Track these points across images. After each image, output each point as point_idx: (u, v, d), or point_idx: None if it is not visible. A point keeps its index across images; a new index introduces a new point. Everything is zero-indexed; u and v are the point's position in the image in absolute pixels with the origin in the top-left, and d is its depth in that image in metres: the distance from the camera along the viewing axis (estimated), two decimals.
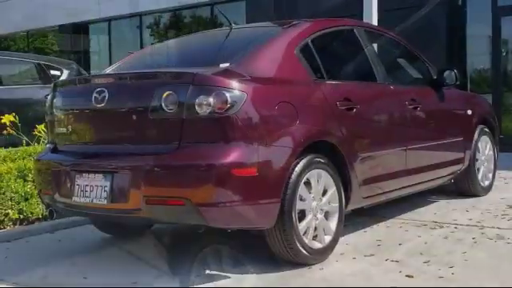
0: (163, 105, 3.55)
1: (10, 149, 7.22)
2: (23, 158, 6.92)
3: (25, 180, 5.36)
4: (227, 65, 3.76)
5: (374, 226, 4.88)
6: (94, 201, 3.73)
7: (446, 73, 5.45)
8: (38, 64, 9.62)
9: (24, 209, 5.31)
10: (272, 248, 3.82)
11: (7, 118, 6.31)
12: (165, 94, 3.55)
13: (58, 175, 3.98)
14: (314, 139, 3.88)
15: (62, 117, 4.10)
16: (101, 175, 3.73)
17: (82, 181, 3.83)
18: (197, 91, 3.50)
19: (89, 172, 3.80)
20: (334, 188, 4.07)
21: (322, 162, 3.96)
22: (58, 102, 4.13)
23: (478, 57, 11.44)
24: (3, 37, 22.34)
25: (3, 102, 8.87)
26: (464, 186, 5.94)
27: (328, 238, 4.02)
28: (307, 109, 3.92)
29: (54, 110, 4.16)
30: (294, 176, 3.72)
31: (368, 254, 4.08)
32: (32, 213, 5.38)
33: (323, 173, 3.98)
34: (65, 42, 19.76)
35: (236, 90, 3.54)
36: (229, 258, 4.07)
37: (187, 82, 3.53)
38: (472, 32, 11.21)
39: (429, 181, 5.23)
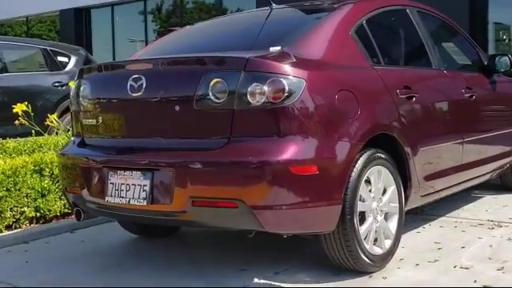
0: (210, 94, 3.13)
1: (19, 140, 6.82)
2: (33, 150, 6.55)
3: (41, 175, 4.93)
4: (278, 48, 3.31)
5: (426, 226, 4.48)
6: (132, 201, 3.31)
7: (498, 58, 5.02)
8: (45, 50, 9.18)
9: (41, 206, 4.89)
10: (329, 254, 3.42)
11: (19, 108, 5.84)
12: (212, 82, 3.13)
13: (88, 172, 3.56)
14: (376, 132, 3.47)
15: (91, 107, 3.67)
16: (139, 173, 3.31)
17: (116, 179, 3.41)
18: (249, 78, 3.08)
19: (124, 169, 3.37)
20: (394, 186, 3.66)
21: (383, 158, 3.55)
22: (85, 90, 3.70)
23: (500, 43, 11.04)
24: (0, 23, 21.80)
25: (9, 89, 8.45)
26: (510, 180, 5.53)
27: (388, 243, 3.62)
28: (368, 98, 3.50)
29: (81, 100, 3.73)
30: (354, 174, 3.31)
31: (431, 259, 3.68)
32: (50, 210, 4.96)
33: (383, 170, 3.57)
34: (66, 28, 19.20)
35: (294, 76, 3.12)
36: (278, 264, 3.64)
37: (238, 68, 3.11)
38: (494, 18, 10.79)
39: (481, 175, 4.84)
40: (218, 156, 3.10)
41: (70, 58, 9.34)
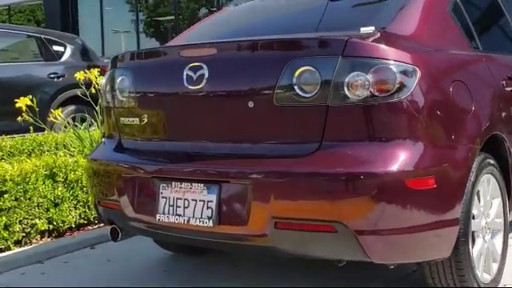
0: (296, 86, 2.45)
1: (16, 137, 6.09)
2: (32, 149, 5.84)
3: (54, 181, 4.20)
4: (372, 29, 2.62)
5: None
6: (192, 221, 2.63)
7: None
8: (39, 38, 8.41)
9: (54, 217, 4.17)
10: (432, 283, 2.75)
11: (23, 102, 5.09)
12: (299, 71, 2.45)
13: (131, 183, 2.86)
14: (491, 132, 2.85)
15: (132, 103, 2.97)
16: (201, 185, 2.63)
17: (170, 192, 2.72)
18: (349, 66, 2.42)
19: (181, 180, 2.69)
20: (500, 198, 3.02)
21: (492, 164, 2.91)
22: (124, 82, 3.00)
23: None
24: None
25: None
26: None
27: (495, 267, 2.97)
28: (479, 90, 2.88)
29: (118, 94, 3.02)
30: (469, 185, 2.64)
31: None
32: (63, 221, 4.25)
33: (492, 178, 2.93)
34: (52, 17, 18.27)
35: (406, 63, 2.45)
36: None
37: (334, 53, 2.44)
38: None
39: None
40: (308, 165, 2.42)
41: (65, 48, 8.58)
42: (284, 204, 2.43)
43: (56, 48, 8.47)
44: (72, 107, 8.20)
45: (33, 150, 5.97)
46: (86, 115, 8.14)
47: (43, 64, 8.24)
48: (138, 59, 3.06)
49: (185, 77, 2.71)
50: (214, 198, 2.59)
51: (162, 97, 2.88)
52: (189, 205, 2.66)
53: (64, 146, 5.92)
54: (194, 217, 2.63)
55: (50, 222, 4.18)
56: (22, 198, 3.99)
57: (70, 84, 8.19)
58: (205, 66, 2.65)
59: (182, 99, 2.77)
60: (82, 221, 4.40)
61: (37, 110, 5.57)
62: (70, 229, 4.36)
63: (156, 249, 3.83)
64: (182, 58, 2.77)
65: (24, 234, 4.03)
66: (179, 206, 2.69)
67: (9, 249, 3.92)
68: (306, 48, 2.53)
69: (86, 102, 8.27)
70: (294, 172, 2.42)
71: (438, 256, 2.57)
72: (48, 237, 4.22)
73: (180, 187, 2.70)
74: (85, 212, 4.39)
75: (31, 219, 4.05)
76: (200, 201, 2.63)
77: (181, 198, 2.69)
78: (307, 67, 2.44)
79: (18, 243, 4.00)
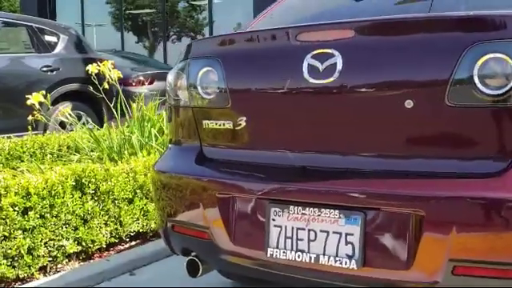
0: (478, 80, 1.79)
1: (14, 138, 5.36)
2: (33, 152, 5.13)
3: (82, 193, 3.49)
4: None
5: None
6: (322, 260, 1.98)
7: None
8: (30, 27, 7.58)
9: (83, 237, 3.45)
10: None
11: (36, 98, 4.34)
12: (482, 60, 1.81)
13: (228, 205, 2.20)
14: None
15: (221, 102, 2.30)
16: (335, 212, 1.98)
17: (287, 220, 2.05)
18: None
19: (305, 204, 2.01)
20: None
21: None
22: (209, 76, 2.33)
23: None
24: None
25: None
26: None
27: None
28: None
29: (200, 91, 2.35)
30: None
31: None
32: (93, 241, 3.53)
33: None
34: (27, 4, 17.24)
35: None
36: None
37: None
38: None
39: None
40: (503, 189, 1.76)
41: (59, 38, 7.79)
42: (470, 242, 1.78)
43: (49, 38, 7.70)
44: (67, 104, 7.41)
45: (34, 152, 5.25)
46: (81, 113, 7.44)
47: (35, 56, 7.45)
48: (230, 45, 2.37)
49: (305, 67, 2.05)
50: (356, 229, 1.93)
51: (268, 94, 2.20)
52: (316, 237, 2.00)
53: (70, 149, 5.22)
54: (325, 254, 1.98)
55: (78, 243, 3.46)
56: (48, 215, 3.27)
57: (65, 78, 7.45)
58: (337, 54, 2.00)
59: (300, 96, 2.10)
60: (112, 239, 3.69)
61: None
62: (99, 249, 3.65)
63: (212, 274, 3.14)
64: (301, 42, 2.10)
65: (50, 259, 3.31)
66: (301, 239, 2.03)
67: (32, 278, 3.22)
68: (495, 28, 1.88)
69: (83, 99, 7.61)
70: (487, 197, 1.77)
71: None
72: (76, 260, 3.50)
73: (302, 213, 2.04)
74: (116, 229, 3.69)
75: (58, 240, 3.34)
76: (334, 233, 1.97)
77: (303, 228, 2.03)
78: (495, 54, 1.79)
79: (42, 269, 3.29)
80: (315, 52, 2.04)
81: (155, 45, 16.49)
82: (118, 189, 3.66)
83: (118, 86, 5.14)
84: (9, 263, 3.10)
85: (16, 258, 3.13)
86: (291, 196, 2.07)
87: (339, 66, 2.00)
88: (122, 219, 3.70)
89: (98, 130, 4.83)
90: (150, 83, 9.69)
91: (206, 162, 2.36)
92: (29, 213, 3.17)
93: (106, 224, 3.63)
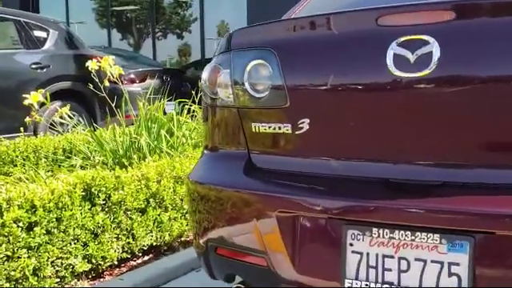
0: None
1: (4, 140, 4.96)
2: (27, 156, 4.75)
3: (92, 203, 3.08)
4: None
5: None
6: None
7: None
8: (18, 22, 7.13)
9: (93, 253, 3.05)
10: None
11: (35, 98, 3.92)
12: None
13: (290, 226, 1.81)
14: None
15: (277, 101, 1.91)
16: (435, 237, 1.62)
17: (369, 245, 1.68)
18: None
19: (392, 227, 1.63)
20: None
21: None
22: (260, 70, 1.96)
23: None
24: None
25: None
26: None
27: None
28: None
29: (249, 88, 1.96)
30: None
31: None
32: (104, 258, 3.13)
33: None
34: (9, 0, 16.65)
35: None
36: None
37: None
38: None
39: None
40: None
41: (48, 33, 7.35)
42: None
43: (38, 34, 7.26)
44: (58, 103, 6.97)
45: (27, 156, 4.84)
46: (74, 113, 6.99)
47: (24, 52, 7.01)
48: (288, 33, 1.98)
49: (389, 58, 1.67)
50: (463, 258, 1.56)
51: (339, 91, 1.82)
52: (409, 267, 1.63)
53: (70, 152, 4.81)
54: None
55: (88, 261, 3.06)
56: (55, 231, 2.87)
57: (56, 76, 7.03)
58: (433, 41, 1.61)
59: (382, 93, 1.73)
60: (124, 255, 3.29)
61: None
62: (110, 268, 3.25)
63: None
64: (384, 28, 1.71)
65: (57, 280, 2.90)
66: (389, 269, 1.65)
67: None
68: None
69: (75, 98, 7.17)
70: None
71: None
72: (85, 279, 3.10)
73: (390, 238, 1.65)
74: (128, 243, 3.29)
75: (66, 258, 2.94)
76: (433, 262, 1.60)
77: (392, 256, 1.65)
78: None
79: None
80: (403, 39, 1.67)
81: (140, 41, 16.02)
82: (130, 198, 3.26)
83: (120, 84, 4.74)
84: (12, 286, 2.69)
85: (20, 281, 2.72)
86: (374, 216, 1.69)
87: (436, 56, 1.61)
88: (134, 232, 3.31)
89: (92, 130, 4.40)
90: (142, 81, 9.29)
91: (258, 173, 1.97)
92: (34, 229, 2.76)
93: (117, 238, 3.24)
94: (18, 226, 2.69)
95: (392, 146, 1.74)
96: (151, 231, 3.42)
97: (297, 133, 1.88)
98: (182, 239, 3.72)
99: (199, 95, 4.95)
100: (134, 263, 3.40)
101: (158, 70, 9.83)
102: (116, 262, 3.26)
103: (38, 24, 7.26)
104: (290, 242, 1.81)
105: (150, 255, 3.51)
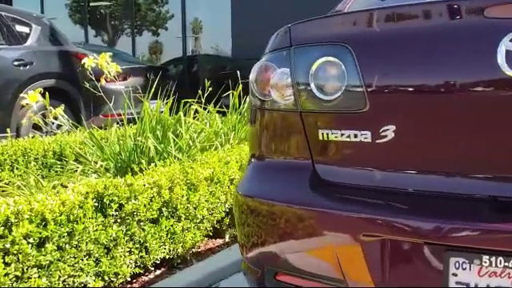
0: None
1: None
2: (15, 160, 4.44)
3: (104, 215, 2.79)
4: None
5: None
6: None
7: None
8: None
9: (106, 269, 2.75)
10: None
11: (33, 98, 3.60)
12: None
13: (376, 252, 1.56)
14: None
15: (354, 105, 1.64)
16: None
17: (478, 276, 1.45)
18: None
19: (508, 255, 1.37)
20: None
21: None
22: (330, 69, 1.69)
23: None
24: None
25: None
26: None
27: None
28: None
29: (315, 89, 1.71)
30: None
31: None
32: (117, 274, 2.84)
33: None
34: None
35: None
36: None
37: None
38: None
39: None
40: None
41: (31, 28, 6.98)
42: None
43: (20, 29, 6.88)
44: (41, 103, 6.62)
45: (16, 160, 4.52)
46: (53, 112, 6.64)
47: (5, 48, 6.64)
48: (365, 27, 1.71)
49: (501, 55, 1.41)
50: None
51: (434, 93, 1.56)
52: None
53: (61, 154, 4.51)
54: None
55: (101, 278, 2.77)
56: (67, 246, 2.56)
57: (40, 74, 6.67)
58: None
59: (490, 95, 1.47)
60: (137, 270, 3.01)
61: None
62: (122, 282, 2.96)
63: None
64: (493, 20, 1.46)
65: None
66: None
67: None
68: None
69: (59, 96, 6.80)
70: None
71: None
72: None
73: (504, 267, 1.40)
74: (141, 257, 3.01)
75: (78, 276, 2.63)
76: None
77: None
78: None
79: None
80: None
81: (115, 38, 15.61)
82: (143, 208, 2.97)
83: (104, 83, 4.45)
84: None
85: None
86: (484, 242, 1.43)
87: None
88: (147, 245, 3.02)
89: (91, 132, 4.08)
90: (124, 79, 8.94)
91: (328, 188, 1.70)
92: (45, 245, 2.45)
93: (130, 252, 2.94)
94: (29, 243, 2.38)
95: (502, 159, 1.48)
96: (164, 243, 3.14)
97: (377, 141, 1.61)
98: (194, 250, 3.44)
99: (198, 95, 4.70)
100: (146, 278, 3.12)
101: (141, 68, 9.50)
102: (129, 279, 2.96)
103: (20, 18, 6.90)
104: (376, 270, 1.55)
105: (163, 269, 3.23)
